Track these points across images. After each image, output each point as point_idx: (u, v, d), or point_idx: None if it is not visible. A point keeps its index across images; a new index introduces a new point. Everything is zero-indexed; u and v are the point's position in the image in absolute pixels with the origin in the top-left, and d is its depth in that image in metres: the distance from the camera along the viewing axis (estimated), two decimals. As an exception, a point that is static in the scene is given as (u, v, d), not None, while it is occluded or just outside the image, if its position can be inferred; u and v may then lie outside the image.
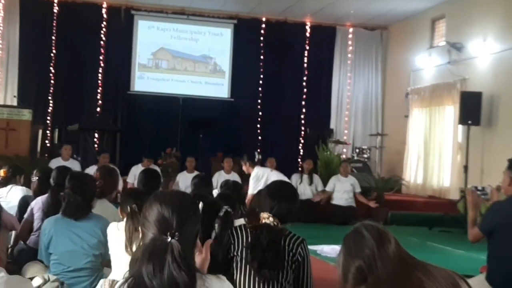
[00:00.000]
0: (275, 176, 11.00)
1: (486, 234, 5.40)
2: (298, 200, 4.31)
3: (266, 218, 4.02)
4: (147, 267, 2.41)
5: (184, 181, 13.33)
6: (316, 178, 14.28)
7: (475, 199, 5.70)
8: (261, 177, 11.30)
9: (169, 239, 2.45)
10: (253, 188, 11.26)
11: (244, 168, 11.84)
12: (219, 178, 12.61)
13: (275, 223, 4.01)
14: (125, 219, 4.76)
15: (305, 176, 14.13)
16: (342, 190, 13.89)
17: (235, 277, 3.90)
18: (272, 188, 4.28)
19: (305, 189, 13.99)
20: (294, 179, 14.08)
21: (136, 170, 12.95)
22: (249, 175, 11.82)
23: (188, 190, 12.67)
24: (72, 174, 5.70)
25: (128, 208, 4.71)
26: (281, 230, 4.02)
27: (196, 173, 13.23)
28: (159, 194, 2.68)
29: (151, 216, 2.56)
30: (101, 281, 2.64)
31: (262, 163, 12.94)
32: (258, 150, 12.70)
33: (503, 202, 5.51)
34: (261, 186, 10.88)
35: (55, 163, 12.83)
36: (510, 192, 5.52)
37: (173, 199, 2.60)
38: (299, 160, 17.99)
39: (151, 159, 13.88)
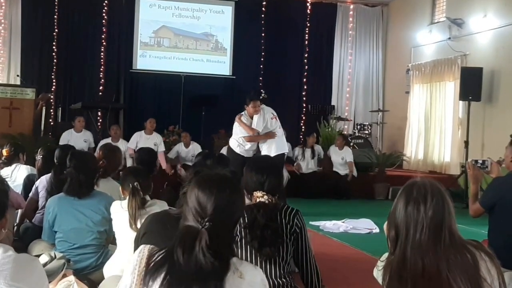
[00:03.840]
0: (276, 124, 10.90)
1: (487, 209, 5.45)
2: (282, 172, 4.32)
3: (260, 196, 4.03)
4: (177, 250, 2.51)
5: (183, 154, 13.81)
6: (318, 148, 14.43)
7: (475, 172, 5.72)
8: (266, 117, 10.75)
9: (200, 227, 2.53)
10: (257, 125, 10.72)
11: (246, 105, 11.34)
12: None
13: (269, 200, 4.02)
14: (128, 197, 4.84)
15: (308, 150, 14.23)
16: (336, 162, 14.30)
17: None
18: (257, 164, 4.27)
19: (309, 162, 14.13)
20: (296, 153, 14.22)
21: (137, 137, 13.32)
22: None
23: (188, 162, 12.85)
24: (73, 153, 5.75)
25: (130, 186, 4.79)
26: (275, 205, 4.03)
27: (191, 146, 13.42)
28: (200, 177, 2.73)
29: (190, 200, 2.63)
30: (142, 246, 2.73)
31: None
32: (262, 90, 12.47)
33: (505, 177, 5.53)
34: (261, 125, 10.71)
35: (66, 135, 12.95)
36: (511, 168, 5.57)
37: (213, 184, 2.64)
38: (301, 137, 18.05)
39: (153, 119, 13.80)
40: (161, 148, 13.37)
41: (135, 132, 15.40)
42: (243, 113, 11.07)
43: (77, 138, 13.09)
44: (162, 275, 2.51)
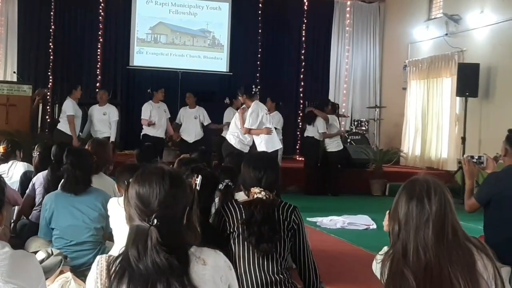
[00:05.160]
0: (270, 119, 11.13)
1: (482, 205, 5.47)
2: (279, 168, 4.32)
3: (257, 192, 4.02)
4: (131, 251, 2.49)
5: (186, 117, 14.12)
6: None
7: (471, 168, 5.73)
8: (259, 115, 10.86)
9: (148, 225, 2.49)
10: (251, 123, 10.80)
11: (240, 98, 11.51)
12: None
13: (267, 196, 4.02)
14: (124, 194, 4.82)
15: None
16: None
17: (234, 252, 3.92)
18: (254, 160, 4.28)
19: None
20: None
21: (149, 107, 13.90)
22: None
23: (191, 126, 13.44)
24: (69, 150, 5.74)
25: (126, 182, 4.77)
26: (273, 201, 4.04)
27: (197, 108, 13.94)
28: (138, 175, 2.67)
29: (131, 199, 2.59)
30: (98, 257, 2.70)
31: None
32: (254, 85, 12.72)
33: (499, 172, 5.56)
34: (256, 124, 10.81)
35: (71, 104, 13.14)
36: (506, 162, 5.59)
37: (152, 178, 2.59)
38: (298, 132, 18.07)
39: (161, 88, 14.30)
40: (168, 115, 13.95)
41: (131, 128, 15.50)
42: (244, 106, 11.18)
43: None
44: (125, 284, 2.48)
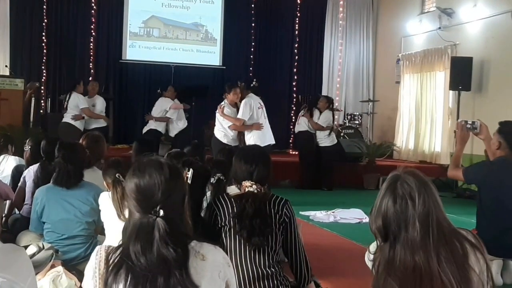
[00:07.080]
0: (263, 114, 11.12)
1: (466, 182, 5.53)
2: (271, 161, 4.31)
3: (249, 186, 4.02)
4: (134, 246, 2.45)
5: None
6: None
7: (463, 133, 5.82)
8: (252, 107, 10.97)
9: (154, 217, 2.47)
10: (243, 114, 10.93)
11: (238, 86, 11.34)
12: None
13: (258, 189, 4.01)
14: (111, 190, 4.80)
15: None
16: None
17: (226, 246, 3.91)
18: (246, 154, 4.26)
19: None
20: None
21: (161, 102, 14.22)
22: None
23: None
24: (61, 143, 5.72)
25: (111, 178, 4.74)
26: (264, 195, 4.03)
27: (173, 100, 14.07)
28: (135, 168, 2.61)
29: (130, 193, 2.55)
30: (97, 247, 2.69)
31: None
32: (254, 79, 12.73)
33: (492, 163, 5.59)
34: (248, 116, 10.94)
35: (81, 98, 13.18)
36: (497, 154, 5.61)
37: (151, 171, 2.55)
38: (291, 127, 18.04)
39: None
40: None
41: (125, 123, 15.48)
42: (223, 103, 11.18)
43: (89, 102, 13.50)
44: (123, 276, 2.46)
